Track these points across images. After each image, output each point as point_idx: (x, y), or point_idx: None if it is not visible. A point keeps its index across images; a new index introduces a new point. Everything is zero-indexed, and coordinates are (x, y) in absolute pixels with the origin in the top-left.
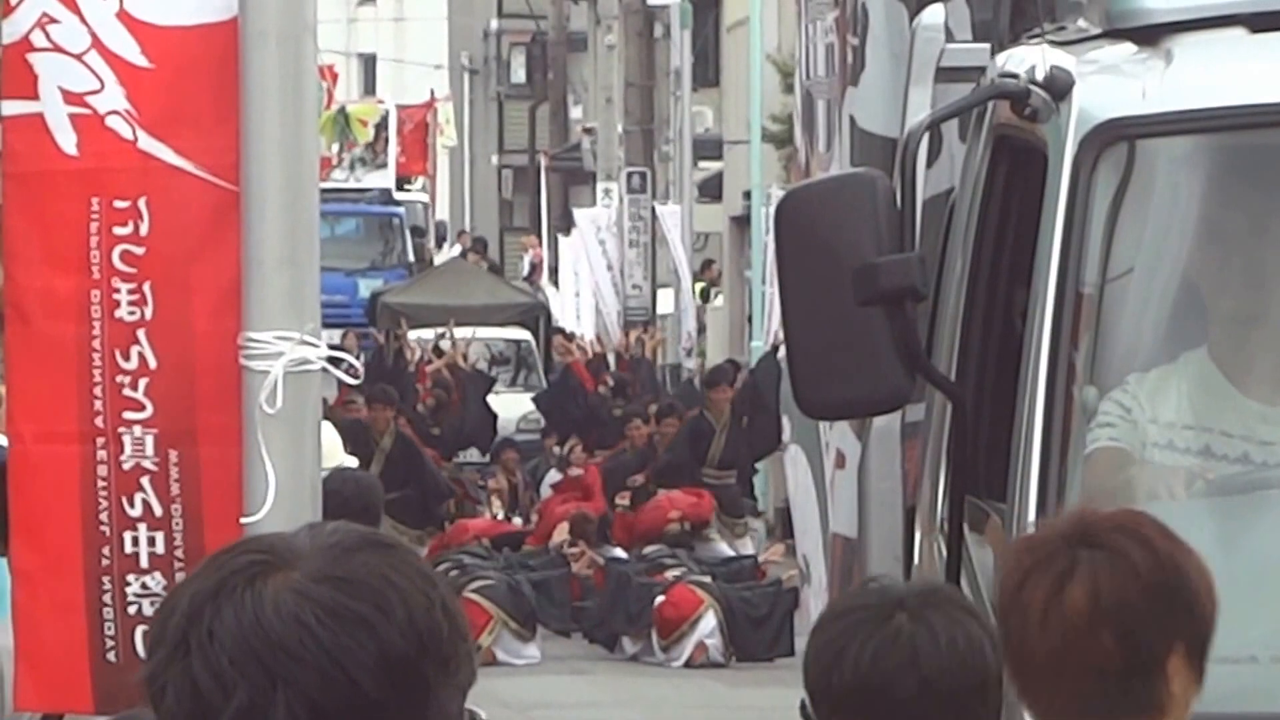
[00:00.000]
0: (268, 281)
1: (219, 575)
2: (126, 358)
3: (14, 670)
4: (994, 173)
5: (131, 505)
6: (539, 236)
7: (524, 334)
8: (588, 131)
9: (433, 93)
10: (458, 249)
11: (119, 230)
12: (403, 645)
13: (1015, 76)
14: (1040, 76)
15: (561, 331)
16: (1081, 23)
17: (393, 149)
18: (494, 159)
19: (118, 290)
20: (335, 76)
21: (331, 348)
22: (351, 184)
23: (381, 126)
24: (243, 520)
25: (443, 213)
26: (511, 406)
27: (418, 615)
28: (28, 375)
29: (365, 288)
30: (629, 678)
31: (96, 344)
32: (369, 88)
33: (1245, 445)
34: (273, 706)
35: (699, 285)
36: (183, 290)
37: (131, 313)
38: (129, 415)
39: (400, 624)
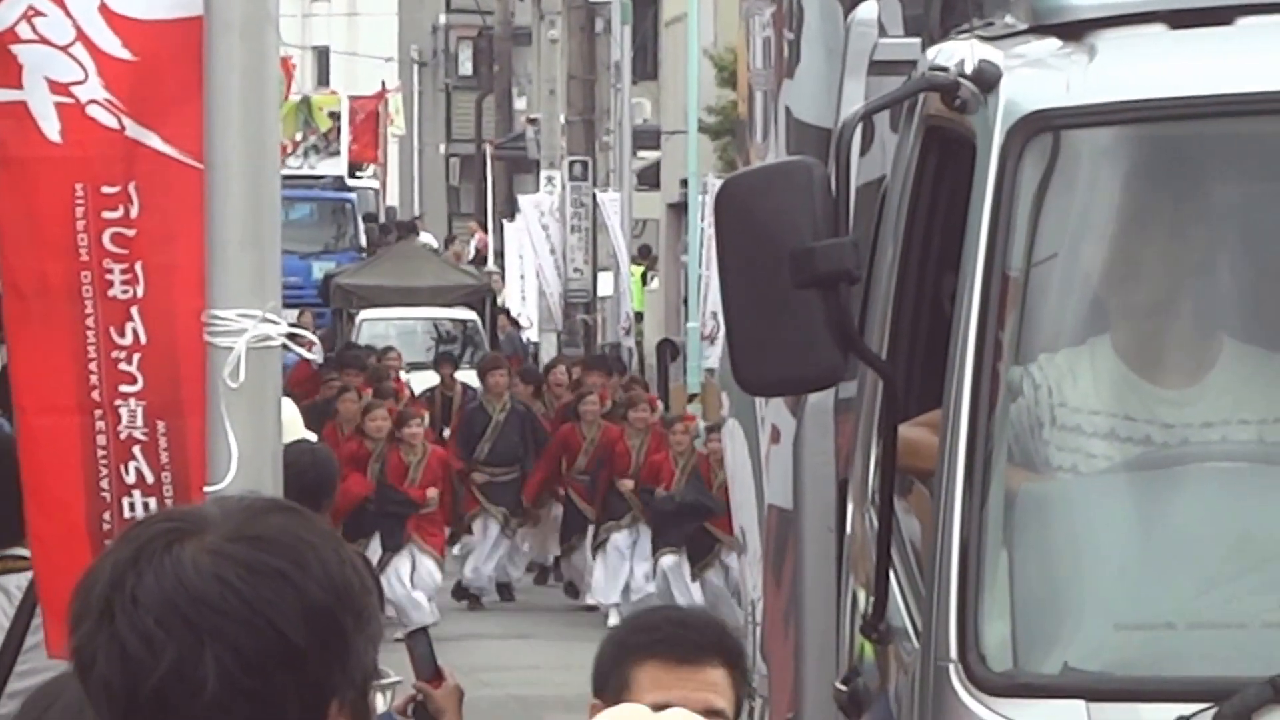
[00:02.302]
0: (231, 262)
1: (136, 544)
2: (121, 334)
3: (43, 624)
4: (924, 161)
5: (128, 473)
6: (484, 222)
7: (470, 314)
8: (531, 122)
9: (384, 84)
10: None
11: (109, 214)
12: (321, 596)
13: (945, 70)
14: (969, 70)
15: (506, 313)
16: (1009, 19)
17: (345, 137)
18: (442, 147)
19: (110, 271)
20: (292, 69)
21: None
22: (306, 171)
23: (336, 116)
24: (206, 490)
25: (393, 199)
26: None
27: (332, 568)
28: (26, 350)
29: (318, 270)
30: (569, 643)
31: (90, 322)
32: (323, 79)
33: (1148, 428)
34: (202, 662)
35: (637, 269)
36: (168, 269)
37: (125, 291)
38: (124, 388)
39: (317, 576)
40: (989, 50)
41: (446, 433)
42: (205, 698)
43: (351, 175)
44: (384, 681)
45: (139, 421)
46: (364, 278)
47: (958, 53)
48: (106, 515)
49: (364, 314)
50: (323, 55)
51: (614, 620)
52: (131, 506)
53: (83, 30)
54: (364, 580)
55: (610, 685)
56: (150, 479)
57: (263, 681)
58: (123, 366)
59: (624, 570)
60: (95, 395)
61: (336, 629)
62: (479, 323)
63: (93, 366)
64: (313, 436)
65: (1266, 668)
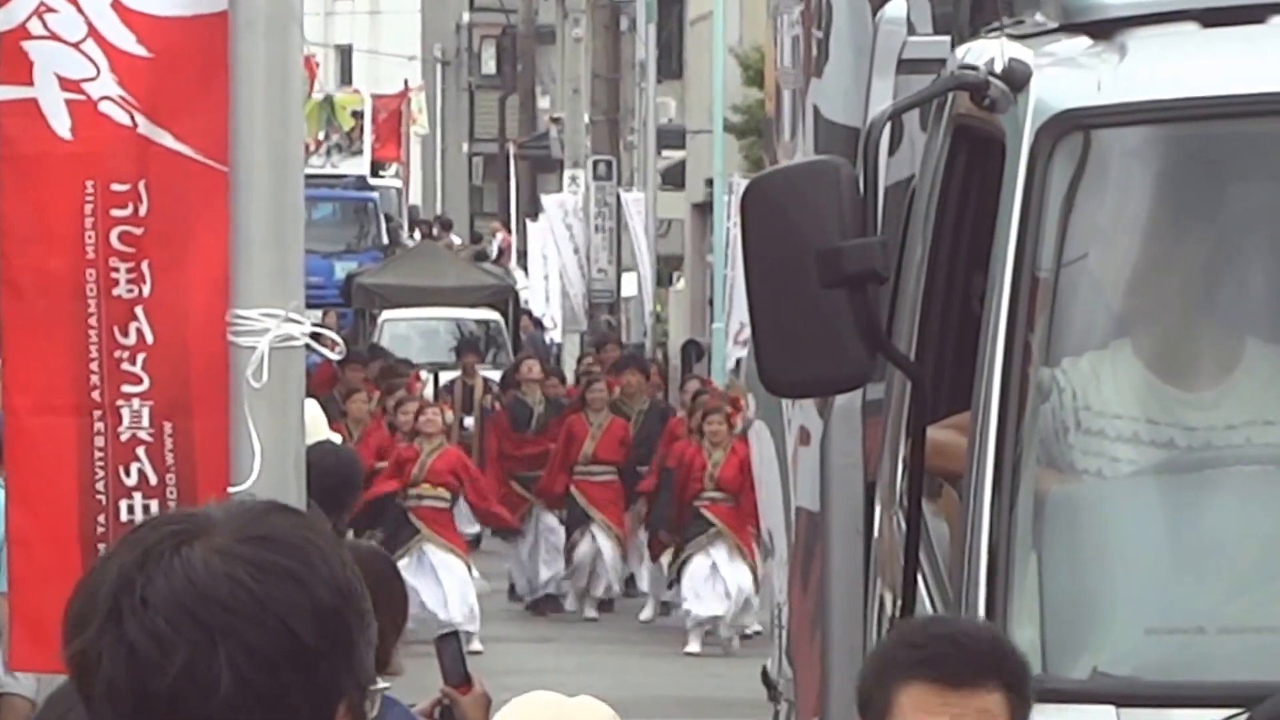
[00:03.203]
0: (254, 261)
1: (142, 547)
2: (125, 333)
3: (9, 634)
4: (953, 161)
5: (128, 475)
6: (506, 222)
7: (493, 315)
8: (555, 121)
9: (406, 83)
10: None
11: (117, 212)
12: (329, 597)
13: (975, 68)
14: (999, 68)
15: (529, 313)
16: (1039, 17)
17: (368, 136)
18: (465, 147)
19: (115, 269)
20: (315, 67)
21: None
22: (328, 170)
23: (359, 115)
24: (230, 490)
25: (415, 198)
26: None
27: (336, 570)
28: (22, 349)
29: (340, 269)
30: (590, 646)
31: (93, 320)
32: (345, 78)
33: (1171, 431)
34: (215, 661)
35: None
36: (180, 269)
37: (130, 290)
38: (127, 389)
39: (325, 577)
40: (1019, 49)
41: (469, 421)
42: (219, 698)
43: (374, 174)
44: (373, 687)
45: (144, 422)
46: (387, 277)
47: (987, 51)
48: (101, 518)
49: (386, 314)
50: (345, 54)
51: (647, 614)
52: (130, 509)
53: (94, 26)
54: (362, 583)
55: (873, 706)
56: (154, 480)
57: (275, 681)
58: (126, 366)
59: (717, 582)
60: (96, 395)
61: (344, 629)
62: (502, 323)
63: (94, 366)
64: (336, 438)
65: None
